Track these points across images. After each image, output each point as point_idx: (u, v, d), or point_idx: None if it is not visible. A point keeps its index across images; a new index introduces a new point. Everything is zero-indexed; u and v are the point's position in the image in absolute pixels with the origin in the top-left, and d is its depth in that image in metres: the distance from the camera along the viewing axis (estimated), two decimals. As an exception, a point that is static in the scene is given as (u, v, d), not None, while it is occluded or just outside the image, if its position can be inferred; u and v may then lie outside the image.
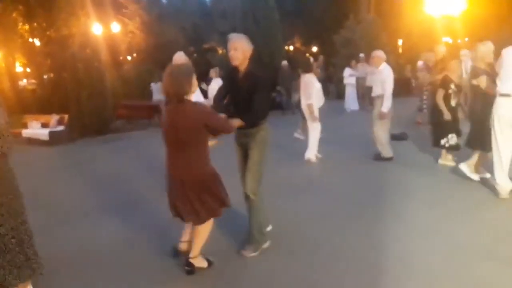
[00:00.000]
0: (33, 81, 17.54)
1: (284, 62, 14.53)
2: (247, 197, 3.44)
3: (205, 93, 9.31)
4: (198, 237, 3.17)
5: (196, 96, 3.30)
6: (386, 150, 6.50)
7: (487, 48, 4.91)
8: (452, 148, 5.80)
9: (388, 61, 6.69)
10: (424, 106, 8.73)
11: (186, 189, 3.01)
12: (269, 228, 3.81)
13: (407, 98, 11.53)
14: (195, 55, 28.19)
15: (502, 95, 4.35)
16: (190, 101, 2.98)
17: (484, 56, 4.87)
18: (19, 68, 22.52)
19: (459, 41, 14.76)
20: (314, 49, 30.62)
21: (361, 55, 14.18)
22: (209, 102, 5.65)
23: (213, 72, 11.21)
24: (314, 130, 6.81)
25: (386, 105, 6.26)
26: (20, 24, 17.32)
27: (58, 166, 8.40)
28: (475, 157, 5.14)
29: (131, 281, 3.27)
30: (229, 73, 3.57)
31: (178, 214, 3.16)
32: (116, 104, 13.55)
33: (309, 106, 6.68)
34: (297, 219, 4.31)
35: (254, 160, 3.42)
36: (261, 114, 3.41)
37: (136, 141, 11.06)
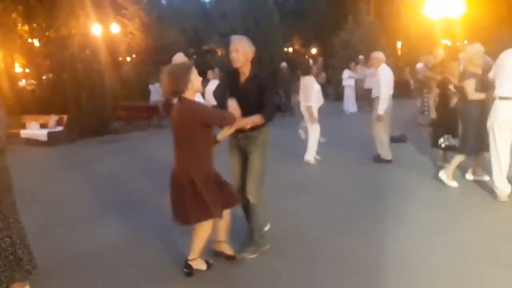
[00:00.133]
0: (32, 81, 17.53)
1: (284, 64, 14.54)
2: (246, 201, 3.40)
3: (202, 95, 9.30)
4: (197, 239, 3.15)
5: (196, 97, 3.26)
6: (385, 152, 6.50)
7: (475, 50, 4.86)
8: (448, 149, 5.80)
9: (387, 63, 6.71)
10: (426, 108, 8.74)
11: (184, 187, 2.99)
12: (267, 227, 3.81)
13: (406, 100, 11.56)
14: (194, 56, 28.23)
15: (502, 98, 4.35)
16: (187, 100, 2.96)
17: (473, 58, 4.81)
18: (18, 69, 22.51)
19: (458, 43, 14.78)
20: (313, 51, 30.64)
21: (360, 57, 14.20)
22: (207, 103, 5.62)
23: (210, 73, 11.22)
24: (314, 132, 6.83)
25: (381, 107, 6.27)
26: (20, 24, 17.31)
27: (56, 166, 8.39)
28: (455, 163, 5.11)
29: (131, 282, 3.26)
30: (230, 75, 3.52)
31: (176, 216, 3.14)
32: (115, 105, 13.54)
33: (308, 108, 6.69)
34: (297, 220, 4.31)
35: (256, 164, 3.38)
36: (274, 111, 3.43)
37: (135, 142, 11.05)
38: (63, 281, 3.34)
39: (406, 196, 4.91)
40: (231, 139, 3.46)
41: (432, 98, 5.72)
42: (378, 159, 6.56)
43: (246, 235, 3.56)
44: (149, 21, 24.01)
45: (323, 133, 7.08)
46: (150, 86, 15.16)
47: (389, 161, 6.47)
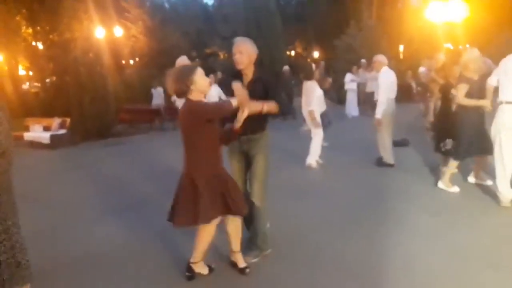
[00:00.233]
0: (36, 84, 17.61)
1: (286, 67, 14.58)
2: (250, 204, 3.34)
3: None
4: (198, 242, 3.14)
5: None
6: (388, 155, 6.50)
7: (471, 55, 4.85)
8: (448, 153, 5.80)
9: (389, 67, 6.71)
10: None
11: (185, 188, 2.99)
12: (267, 226, 3.79)
13: (408, 104, 11.55)
14: (197, 59, 28.30)
15: (508, 102, 4.33)
16: (190, 100, 2.96)
17: (469, 63, 4.79)
18: (21, 71, 22.61)
19: (460, 47, 14.79)
20: (316, 54, 30.70)
21: (363, 60, 14.22)
22: None
23: (212, 78, 11.23)
24: (316, 136, 6.83)
25: (379, 110, 6.30)
26: (24, 27, 17.41)
27: (59, 169, 8.42)
28: (449, 169, 5.10)
29: (132, 283, 3.27)
30: (233, 77, 3.42)
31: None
32: (118, 108, 13.59)
33: (310, 113, 6.71)
34: (298, 223, 4.32)
35: (261, 167, 3.36)
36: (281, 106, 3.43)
37: (138, 145, 11.08)
38: (64, 282, 3.36)
39: (408, 200, 4.91)
40: (232, 142, 3.43)
41: (433, 101, 5.72)
42: (380, 162, 6.56)
43: (247, 239, 3.54)
44: (152, 25, 24.08)
45: (325, 137, 7.07)
46: (153, 90, 15.19)
47: (391, 165, 6.47)
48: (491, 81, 4.57)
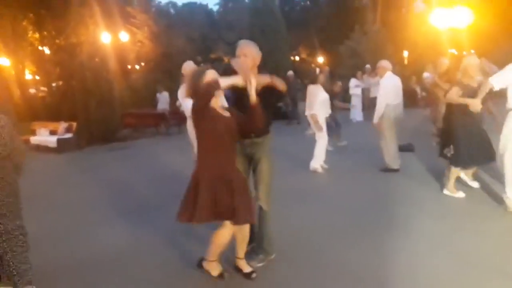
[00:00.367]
0: (43, 88, 17.76)
1: (290, 72, 14.62)
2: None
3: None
4: (211, 243, 3.15)
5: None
6: (392, 160, 6.50)
7: (470, 62, 4.82)
8: (449, 159, 5.79)
9: (393, 72, 6.73)
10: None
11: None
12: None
13: (413, 109, 11.55)
14: (202, 64, 28.44)
15: None
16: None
17: (469, 70, 4.76)
18: (28, 76, 22.81)
19: (464, 53, 14.77)
20: (320, 59, 30.76)
21: (367, 66, 14.24)
22: None
23: None
24: (320, 140, 6.84)
25: (376, 115, 6.38)
26: (30, 32, 17.61)
27: (65, 172, 8.49)
28: (452, 176, 5.08)
29: (135, 287, 3.29)
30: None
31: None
32: (123, 112, 13.68)
33: (313, 116, 6.73)
34: (303, 227, 4.32)
35: (266, 171, 3.36)
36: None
37: (143, 149, 11.13)
38: (67, 284, 3.39)
39: (413, 204, 4.90)
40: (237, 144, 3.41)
41: (440, 107, 5.70)
42: (385, 168, 6.56)
43: (252, 244, 3.52)
44: (158, 30, 24.25)
45: (330, 141, 7.09)
46: (158, 95, 15.26)
47: (396, 170, 6.46)
48: (495, 83, 4.44)
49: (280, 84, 3.23)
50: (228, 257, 3.45)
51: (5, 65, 16.39)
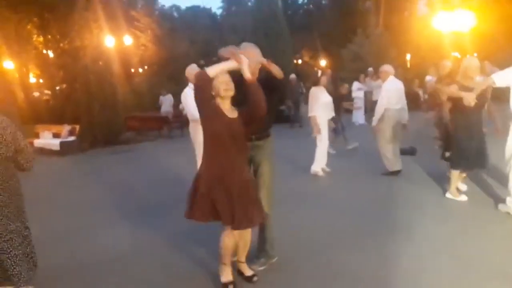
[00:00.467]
0: (47, 91, 17.86)
1: (293, 76, 14.65)
2: None
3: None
4: (219, 246, 3.13)
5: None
6: (390, 163, 6.50)
7: (470, 63, 4.81)
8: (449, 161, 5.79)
9: (396, 76, 6.74)
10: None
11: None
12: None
13: (415, 112, 11.52)
14: (205, 68, 28.48)
15: None
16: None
17: (468, 71, 4.76)
18: (32, 79, 22.94)
19: (468, 56, 14.75)
20: (323, 62, 30.79)
21: (370, 69, 14.26)
22: None
23: None
24: (320, 144, 6.82)
25: (375, 118, 6.44)
26: (35, 36, 17.74)
27: (69, 175, 8.53)
28: (453, 179, 5.07)
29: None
30: (237, 81, 3.23)
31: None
32: (127, 115, 13.74)
33: (312, 119, 6.74)
34: (303, 232, 4.31)
35: (268, 174, 3.34)
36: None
37: (145, 152, 11.16)
38: (66, 285, 3.41)
39: (415, 208, 4.89)
40: None
41: (444, 111, 5.68)
42: (386, 171, 6.56)
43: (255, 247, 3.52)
44: (161, 33, 24.39)
45: (335, 144, 7.06)
46: (162, 97, 15.31)
47: (397, 172, 6.46)
48: (496, 79, 4.41)
49: (276, 70, 3.15)
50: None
51: (9, 68, 16.49)
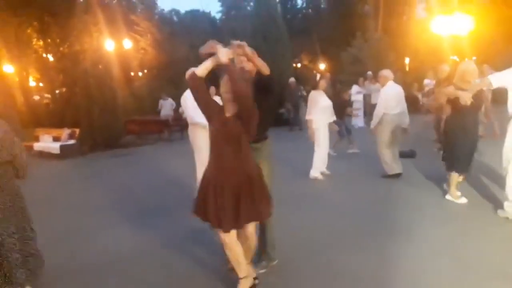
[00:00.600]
0: (47, 95, 17.90)
1: (292, 79, 14.71)
2: None
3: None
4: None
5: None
6: (389, 167, 6.52)
7: (467, 67, 4.84)
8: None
9: (395, 80, 6.77)
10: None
11: None
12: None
13: (414, 116, 11.55)
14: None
15: None
16: None
17: (465, 75, 4.77)
18: (32, 83, 22.98)
19: (466, 59, 14.83)
20: (322, 66, 30.89)
21: (369, 73, 14.32)
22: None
23: (213, 89, 11.35)
24: (318, 148, 6.82)
25: (373, 121, 6.50)
26: (35, 39, 17.81)
27: (68, 178, 8.54)
28: (453, 181, 5.10)
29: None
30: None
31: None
32: (126, 119, 13.76)
33: (308, 122, 6.76)
34: (303, 233, 4.33)
35: (266, 176, 3.29)
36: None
37: (145, 156, 11.17)
38: (66, 286, 3.42)
39: (415, 210, 4.90)
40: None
41: (445, 114, 5.71)
42: (385, 174, 6.58)
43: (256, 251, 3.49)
44: (161, 37, 24.45)
45: (337, 146, 7.06)
46: (162, 101, 15.29)
47: (397, 175, 6.48)
48: (493, 80, 4.43)
49: (262, 65, 3.10)
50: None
51: (9, 72, 16.54)
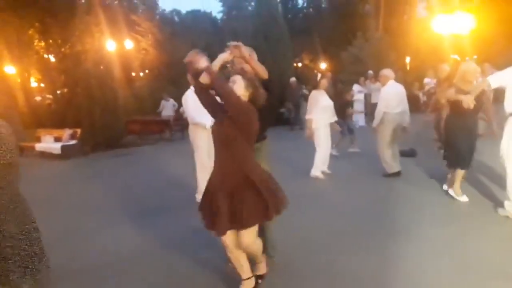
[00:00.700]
0: (48, 96, 17.96)
1: (293, 79, 14.73)
2: None
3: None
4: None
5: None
6: (389, 166, 6.53)
7: (468, 67, 4.87)
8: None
9: (396, 79, 6.77)
10: None
11: None
12: None
13: (415, 115, 11.54)
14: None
15: None
16: None
17: (466, 75, 4.80)
18: (33, 84, 23.04)
19: (467, 58, 14.81)
20: (323, 66, 30.88)
21: (370, 72, 14.33)
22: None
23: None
24: (318, 148, 6.84)
25: (375, 120, 6.52)
26: (36, 40, 17.85)
27: (69, 179, 8.56)
28: (457, 177, 5.11)
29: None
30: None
31: None
32: (128, 119, 13.79)
33: (308, 121, 6.77)
34: (303, 234, 4.32)
35: None
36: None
37: (146, 156, 11.21)
38: (65, 287, 3.44)
39: (415, 209, 4.91)
40: None
41: (445, 113, 5.74)
42: (386, 173, 6.59)
43: None
44: (162, 38, 24.44)
45: (340, 146, 7.05)
46: (164, 102, 15.30)
47: (396, 173, 6.48)
48: (491, 81, 4.44)
49: (258, 67, 3.09)
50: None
51: (11, 73, 16.59)
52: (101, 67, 12.44)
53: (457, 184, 5.12)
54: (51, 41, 14.76)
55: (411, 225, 4.39)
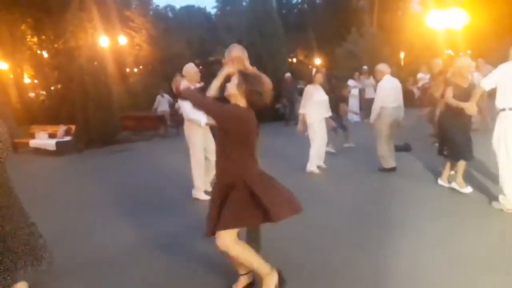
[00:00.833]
0: (42, 92, 17.83)
1: (288, 74, 14.74)
2: None
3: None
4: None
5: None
6: (385, 160, 6.56)
7: (463, 62, 4.94)
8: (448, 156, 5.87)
9: (391, 74, 6.79)
10: None
11: None
12: None
13: (409, 109, 11.59)
14: (200, 67, 28.49)
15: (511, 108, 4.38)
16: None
17: (461, 70, 4.88)
18: (27, 80, 22.86)
19: (461, 54, 14.90)
20: (317, 61, 30.92)
21: (364, 67, 14.37)
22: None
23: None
24: (313, 143, 6.84)
25: (372, 116, 6.54)
26: (29, 36, 17.67)
27: (64, 175, 8.53)
28: (460, 170, 5.19)
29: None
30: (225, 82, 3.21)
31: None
32: (122, 115, 13.74)
33: (300, 116, 6.79)
34: (298, 230, 4.29)
35: None
36: None
37: (141, 152, 11.17)
38: (64, 285, 3.44)
39: (411, 204, 4.94)
40: None
41: (439, 108, 5.79)
42: (382, 168, 6.62)
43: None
44: (156, 33, 24.37)
45: (334, 142, 7.06)
46: (160, 97, 15.25)
47: (392, 169, 6.52)
48: (485, 85, 4.55)
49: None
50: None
51: (3, 69, 16.44)
52: (95, 63, 12.35)
53: (460, 176, 5.19)
54: (44, 36, 14.57)
55: (406, 219, 4.42)
